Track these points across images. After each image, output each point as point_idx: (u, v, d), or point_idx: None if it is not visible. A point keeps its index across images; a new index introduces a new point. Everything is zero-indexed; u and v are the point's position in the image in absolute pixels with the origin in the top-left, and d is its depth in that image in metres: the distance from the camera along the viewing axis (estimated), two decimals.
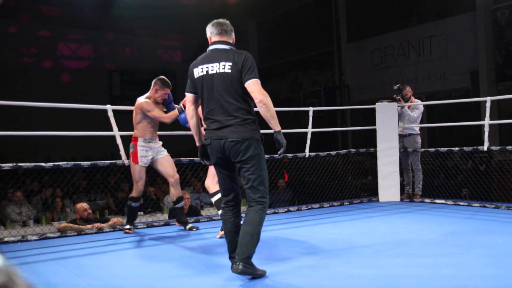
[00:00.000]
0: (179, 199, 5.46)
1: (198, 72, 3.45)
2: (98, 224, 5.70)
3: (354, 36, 15.22)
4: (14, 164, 5.19)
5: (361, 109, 11.15)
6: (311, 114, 7.04)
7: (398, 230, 5.14)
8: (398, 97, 7.46)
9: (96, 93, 14.91)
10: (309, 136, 6.98)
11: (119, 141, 5.57)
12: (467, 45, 12.34)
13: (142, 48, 17.37)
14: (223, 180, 3.55)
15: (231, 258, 3.46)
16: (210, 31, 3.59)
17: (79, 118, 10.35)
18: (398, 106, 7.41)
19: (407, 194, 7.45)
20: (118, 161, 5.67)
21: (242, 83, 3.32)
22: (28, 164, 5.25)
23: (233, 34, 3.61)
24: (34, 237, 5.16)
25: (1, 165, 5.10)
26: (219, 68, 3.37)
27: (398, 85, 7.61)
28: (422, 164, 7.45)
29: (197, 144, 3.67)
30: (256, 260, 3.35)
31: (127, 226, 5.40)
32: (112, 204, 8.64)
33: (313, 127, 7.03)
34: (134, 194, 5.34)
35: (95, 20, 14.94)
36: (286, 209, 6.84)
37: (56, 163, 5.40)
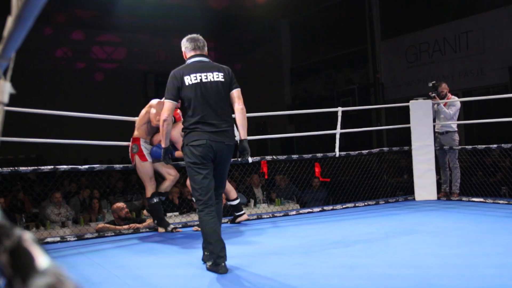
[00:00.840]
0: (166, 194, 5.67)
1: (190, 79, 3.71)
2: (134, 225, 5.78)
3: (388, 33, 15.01)
4: (53, 166, 5.36)
5: (396, 107, 10.99)
6: (339, 114, 6.98)
7: (435, 229, 5.04)
8: (433, 94, 7.32)
9: (130, 94, 15.18)
10: (337, 137, 6.92)
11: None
12: (505, 40, 12.02)
13: (175, 49, 17.55)
14: (204, 180, 3.63)
15: (220, 257, 3.54)
16: (185, 46, 3.92)
17: (114, 121, 10.53)
18: (434, 104, 7.27)
19: (444, 193, 7.30)
20: None
21: (228, 92, 3.77)
22: (65, 166, 5.41)
23: (206, 49, 3.93)
24: (73, 238, 5.28)
25: (41, 167, 5.27)
26: (213, 77, 3.73)
27: (433, 82, 7.46)
28: (460, 161, 7.29)
29: (165, 145, 3.87)
30: (291, 260, 3.34)
31: (170, 227, 5.46)
32: (146, 205, 8.74)
33: (346, 126, 6.98)
34: (151, 190, 5.35)
35: (128, 22, 15.16)
36: (320, 208, 6.80)
37: (91, 165, 5.57)
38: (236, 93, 3.79)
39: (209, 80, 3.71)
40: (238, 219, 5.84)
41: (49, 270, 0.50)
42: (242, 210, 5.92)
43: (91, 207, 8.15)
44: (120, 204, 6.22)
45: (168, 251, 4.64)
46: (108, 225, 5.88)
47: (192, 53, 3.86)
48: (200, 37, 3.91)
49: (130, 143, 5.41)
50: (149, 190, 5.36)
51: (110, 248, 4.78)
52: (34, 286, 0.48)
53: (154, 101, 5.35)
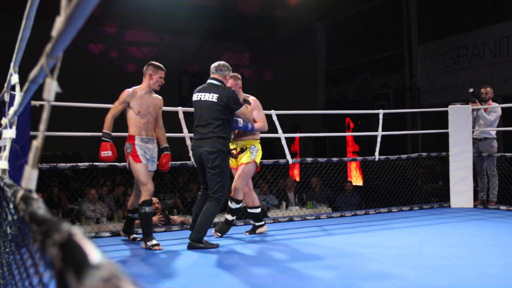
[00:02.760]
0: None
1: (195, 97, 4.82)
2: (176, 217, 5.91)
3: (426, 37, 14.78)
4: (90, 163, 5.45)
5: (431, 112, 10.83)
6: (381, 117, 6.92)
7: (471, 238, 4.94)
8: (474, 99, 7.20)
9: (165, 94, 15.34)
10: (379, 139, 6.85)
11: (188, 142, 5.70)
12: None
13: (210, 50, 17.68)
14: (201, 176, 4.83)
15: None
16: (211, 69, 4.86)
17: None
18: (474, 110, 7.13)
19: (481, 201, 7.14)
20: (188, 162, 5.80)
21: (222, 112, 4.61)
22: (103, 163, 5.46)
23: (226, 72, 4.82)
24: (107, 234, 5.37)
25: (78, 164, 5.38)
26: (208, 98, 4.67)
27: (473, 89, 7.33)
28: (498, 169, 7.12)
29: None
30: (318, 264, 3.31)
31: (154, 242, 4.57)
32: (180, 204, 8.82)
33: (382, 130, 6.90)
34: (145, 197, 4.61)
35: (163, 22, 15.31)
36: (353, 213, 6.74)
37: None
38: (241, 111, 4.75)
39: (206, 99, 4.69)
40: (258, 230, 5.37)
41: (103, 264, 0.51)
42: (262, 220, 5.44)
43: (125, 204, 8.27)
44: (153, 199, 6.31)
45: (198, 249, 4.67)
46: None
47: (211, 75, 4.84)
48: (218, 64, 4.82)
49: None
50: (143, 195, 4.62)
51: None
52: (89, 279, 0.49)
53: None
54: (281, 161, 6.40)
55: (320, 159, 6.76)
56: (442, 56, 14.31)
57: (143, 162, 4.66)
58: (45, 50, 1.24)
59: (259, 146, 5.19)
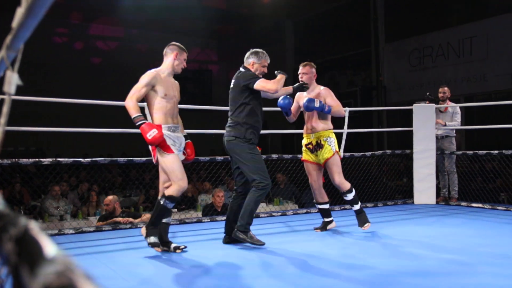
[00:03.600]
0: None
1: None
2: (127, 219, 5.77)
3: (392, 36, 15.02)
4: (54, 159, 5.35)
5: (397, 111, 11.01)
6: (347, 114, 6.98)
7: (434, 233, 5.04)
8: (431, 98, 7.44)
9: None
10: (344, 137, 6.93)
11: None
12: (508, 46, 12.02)
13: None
14: (233, 170, 4.67)
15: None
16: None
17: (116, 114, 10.50)
18: (437, 109, 7.31)
19: (443, 197, 7.31)
20: (154, 158, 5.75)
21: (239, 94, 4.45)
22: (67, 159, 5.38)
23: (251, 60, 4.61)
24: (71, 231, 5.29)
25: (41, 160, 5.26)
26: (232, 84, 4.57)
27: (428, 93, 7.59)
28: (460, 167, 7.31)
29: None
30: (279, 261, 3.31)
31: (155, 240, 4.05)
32: (141, 201, 8.73)
33: (348, 128, 6.97)
34: (176, 189, 4.05)
35: (133, 19, 15.15)
36: (305, 211, 6.79)
37: (93, 159, 5.52)
38: (257, 86, 4.41)
39: (231, 85, 4.59)
40: (329, 226, 5.27)
41: (57, 258, 0.51)
42: (331, 216, 5.33)
43: (90, 200, 8.16)
44: (109, 198, 6.25)
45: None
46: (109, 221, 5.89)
47: None
48: (249, 51, 4.65)
49: None
50: (173, 190, 4.03)
51: (108, 243, 4.79)
52: (43, 273, 0.48)
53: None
54: None
55: (286, 156, 6.80)
56: (408, 55, 14.56)
57: (176, 152, 4.08)
58: (5, 41, 1.22)
59: (334, 136, 5.11)
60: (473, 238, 4.78)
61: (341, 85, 16.21)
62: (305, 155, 5.17)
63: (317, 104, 4.84)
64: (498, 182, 7.81)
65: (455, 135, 7.42)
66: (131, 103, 3.97)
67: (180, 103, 4.38)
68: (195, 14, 14.96)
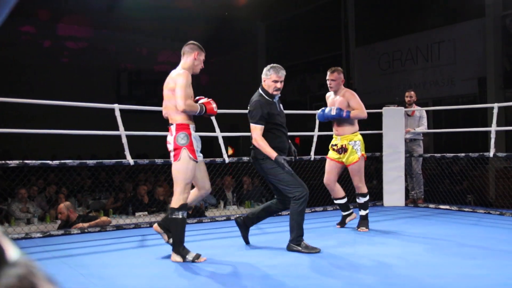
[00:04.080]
0: (190, 208, 4.81)
1: None
2: (80, 224, 5.61)
3: (363, 40, 15.21)
4: (21, 161, 5.20)
5: (367, 113, 11.13)
6: (317, 117, 7.03)
7: (401, 232, 5.11)
8: (399, 101, 7.63)
9: (103, 90, 14.96)
10: (315, 139, 6.97)
11: (124, 140, 5.58)
12: (475, 51, 12.31)
13: (149, 48, 17.41)
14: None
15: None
16: None
17: (85, 116, 10.37)
18: (405, 112, 7.43)
19: (412, 199, 7.43)
20: (123, 160, 5.69)
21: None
22: (34, 161, 5.25)
23: (263, 76, 4.82)
24: (38, 235, 5.18)
25: (8, 162, 5.13)
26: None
27: (396, 104, 7.80)
28: (428, 169, 7.46)
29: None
30: (250, 261, 3.32)
31: (193, 254, 3.90)
32: (110, 204, 8.61)
33: (319, 131, 7.02)
34: (181, 200, 3.88)
35: (103, 19, 14.98)
36: (289, 212, 6.79)
37: (62, 161, 5.42)
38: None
39: None
40: (348, 219, 5.61)
41: (20, 261, 0.50)
42: (350, 209, 5.67)
43: (58, 203, 8.02)
44: (60, 206, 6.11)
45: (135, 250, 4.60)
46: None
47: None
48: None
49: (173, 131, 3.93)
50: (179, 198, 3.87)
51: (76, 246, 4.71)
52: (4, 277, 0.47)
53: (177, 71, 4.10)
54: (218, 160, 6.37)
55: (245, 158, 6.78)
56: (378, 59, 14.77)
57: (198, 160, 3.95)
58: None
59: (359, 138, 5.34)
60: (440, 240, 4.87)
61: (312, 88, 16.33)
62: (331, 154, 5.45)
63: (333, 112, 5.08)
64: (465, 184, 7.97)
65: (422, 138, 7.57)
66: (187, 105, 3.84)
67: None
68: (166, 15, 14.86)
